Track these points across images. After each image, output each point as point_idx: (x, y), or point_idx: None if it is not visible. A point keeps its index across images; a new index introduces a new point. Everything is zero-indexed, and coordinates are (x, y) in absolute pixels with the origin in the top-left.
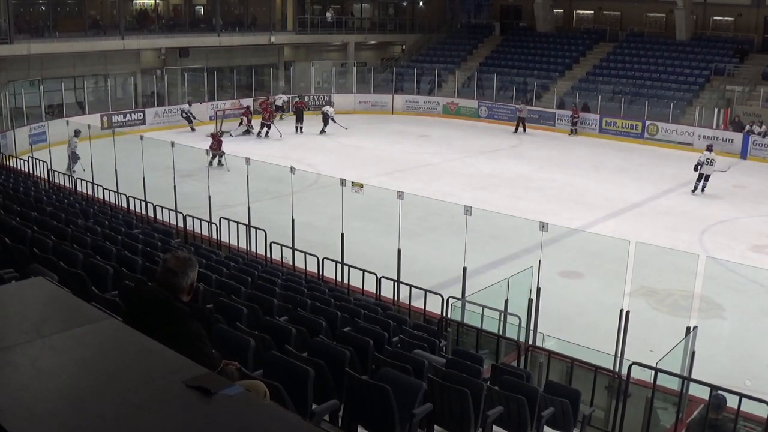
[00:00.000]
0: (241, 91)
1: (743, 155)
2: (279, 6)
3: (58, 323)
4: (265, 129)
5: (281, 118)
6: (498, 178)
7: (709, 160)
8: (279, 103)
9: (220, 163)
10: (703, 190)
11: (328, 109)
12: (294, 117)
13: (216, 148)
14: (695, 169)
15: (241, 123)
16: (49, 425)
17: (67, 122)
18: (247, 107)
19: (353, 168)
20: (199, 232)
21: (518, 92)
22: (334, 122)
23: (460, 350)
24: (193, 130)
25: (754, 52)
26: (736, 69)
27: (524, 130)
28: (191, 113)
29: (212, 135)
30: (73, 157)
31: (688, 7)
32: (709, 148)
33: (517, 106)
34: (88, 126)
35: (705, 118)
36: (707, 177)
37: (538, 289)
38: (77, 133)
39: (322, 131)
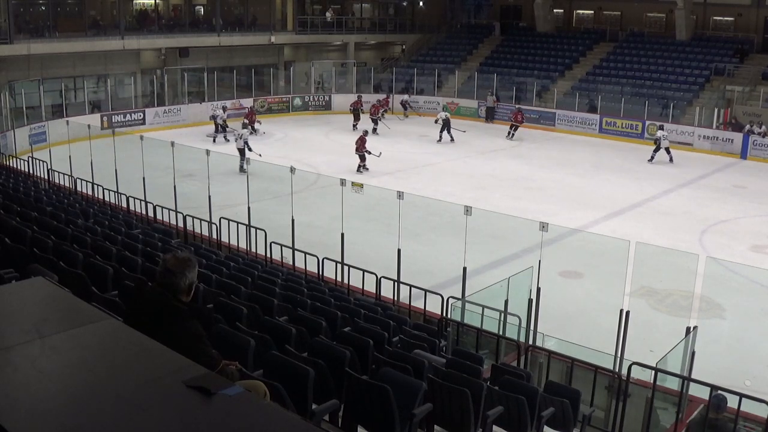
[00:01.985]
0: (241, 91)
1: (743, 155)
2: (279, 6)
3: (58, 323)
4: (372, 126)
5: (406, 117)
6: (498, 178)
7: (664, 136)
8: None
9: (365, 167)
10: (671, 160)
11: (445, 114)
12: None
13: (360, 149)
14: (655, 142)
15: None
16: (49, 425)
17: (67, 122)
18: (250, 108)
19: (353, 168)
20: (199, 232)
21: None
22: (451, 128)
23: (460, 350)
24: (214, 141)
25: (754, 52)
26: (736, 69)
27: (491, 120)
28: (224, 120)
29: (361, 137)
30: (243, 149)
31: (688, 7)
32: (662, 127)
33: (489, 97)
34: (88, 126)
35: (705, 118)
36: (668, 149)
37: (538, 289)
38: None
39: (450, 139)
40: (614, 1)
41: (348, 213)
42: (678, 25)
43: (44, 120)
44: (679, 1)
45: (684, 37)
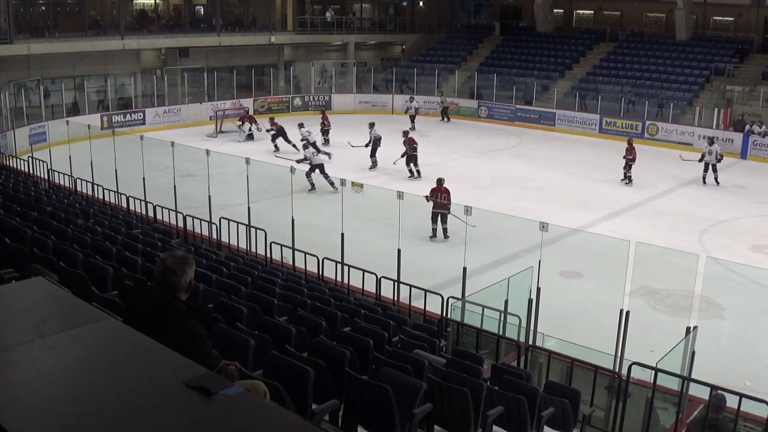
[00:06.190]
0: (241, 91)
1: (743, 155)
2: (279, 6)
3: (58, 323)
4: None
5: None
6: (498, 178)
7: (710, 151)
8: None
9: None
10: (715, 180)
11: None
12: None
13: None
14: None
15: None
16: (49, 425)
17: (67, 122)
18: (246, 111)
19: (353, 168)
20: (199, 232)
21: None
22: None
23: (460, 350)
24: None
25: (754, 52)
26: (736, 69)
27: (447, 119)
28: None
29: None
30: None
31: (688, 7)
32: (712, 141)
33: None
34: (88, 126)
35: (705, 118)
36: (714, 166)
37: (538, 289)
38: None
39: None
40: (614, 1)
41: (348, 213)
42: (678, 25)
43: (44, 120)
44: (679, 1)
45: (684, 37)
